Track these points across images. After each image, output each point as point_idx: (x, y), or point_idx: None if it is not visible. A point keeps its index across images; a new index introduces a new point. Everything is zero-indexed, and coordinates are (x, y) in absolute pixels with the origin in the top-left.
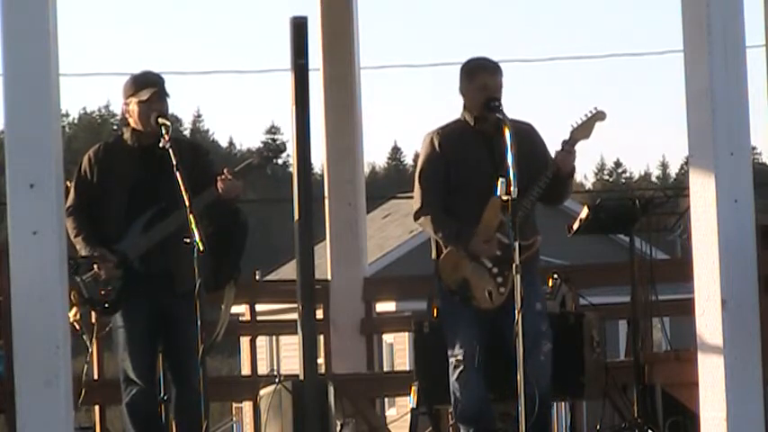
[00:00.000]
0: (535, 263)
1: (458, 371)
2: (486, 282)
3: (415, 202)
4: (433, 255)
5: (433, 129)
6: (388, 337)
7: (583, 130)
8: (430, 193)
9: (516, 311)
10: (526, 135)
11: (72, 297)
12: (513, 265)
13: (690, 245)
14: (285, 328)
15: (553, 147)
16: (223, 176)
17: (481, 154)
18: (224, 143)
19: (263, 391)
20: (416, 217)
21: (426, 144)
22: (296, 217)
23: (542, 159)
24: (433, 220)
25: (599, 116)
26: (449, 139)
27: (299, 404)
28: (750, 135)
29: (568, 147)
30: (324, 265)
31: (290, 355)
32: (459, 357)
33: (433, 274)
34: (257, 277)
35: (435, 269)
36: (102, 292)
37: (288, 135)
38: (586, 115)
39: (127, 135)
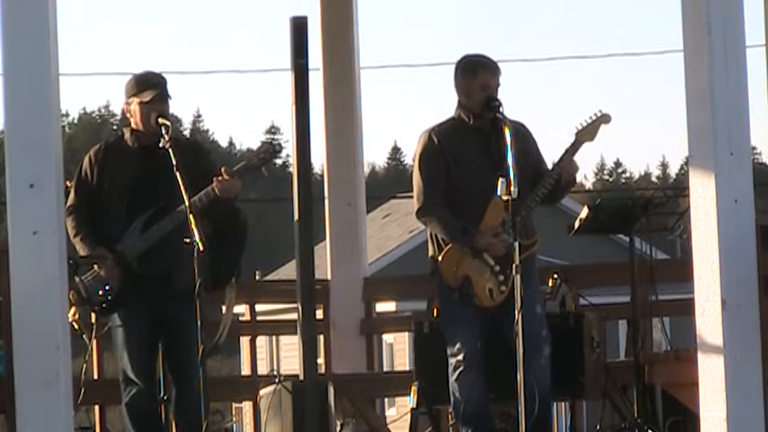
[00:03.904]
0: (534, 264)
1: (458, 371)
2: (488, 279)
3: (417, 198)
4: (431, 252)
5: (429, 126)
6: (388, 337)
7: (587, 133)
8: (432, 190)
9: (516, 311)
10: (520, 134)
11: (71, 297)
12: (514, 265)
13: (690, 245)
14: (285, 328)
15: (552, 147)
16: (221, 177)
17: (479, 151)
18: (224, 143)
19: (263, 391)
20: (419, 215)
21: (424, 140)
22: (296, 217)
23: (537, 158)
24: (438, 218)
25: (603, 119)
26: (447, 137)
27: (298, 404)
28: (750, 135)
29: (571, 152)
30: (324, 265)
31: (290, 355)
32: (460, 358)
33: (432, 272)
34: (257, 277)
35: (435, 267)
36: (100, 293)
37: (288, 135)
38: (591, 118)
39: (128, 135)
